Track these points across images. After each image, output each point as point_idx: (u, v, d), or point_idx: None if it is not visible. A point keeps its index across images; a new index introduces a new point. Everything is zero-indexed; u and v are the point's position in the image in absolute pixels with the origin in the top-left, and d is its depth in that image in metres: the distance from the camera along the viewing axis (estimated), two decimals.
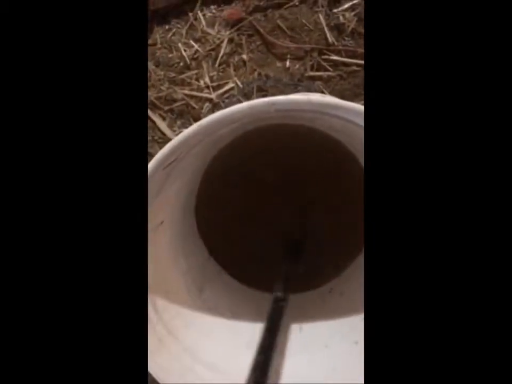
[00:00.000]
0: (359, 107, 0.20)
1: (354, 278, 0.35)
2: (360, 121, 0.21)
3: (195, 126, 0.21)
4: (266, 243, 0.37)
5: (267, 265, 0.37)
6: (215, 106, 0.44)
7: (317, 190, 0.37)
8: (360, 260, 0.36)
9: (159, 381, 0.24)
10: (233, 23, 0.43)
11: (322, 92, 0.44)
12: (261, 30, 0.43)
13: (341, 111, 0.21)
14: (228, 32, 0.43)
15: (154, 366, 0.22)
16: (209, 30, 0.43)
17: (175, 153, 0.22)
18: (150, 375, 0.23)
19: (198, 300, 0.31)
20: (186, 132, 0.21)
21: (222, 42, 0.43)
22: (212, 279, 0.34)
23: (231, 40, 0.43)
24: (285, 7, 0.43)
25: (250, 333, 0.33)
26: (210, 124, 0.21)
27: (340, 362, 0.30)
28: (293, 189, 0.37)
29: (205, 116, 0.45)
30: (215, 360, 0.29)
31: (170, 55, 0.44)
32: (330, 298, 0.36)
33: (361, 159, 0.35)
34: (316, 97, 0.20)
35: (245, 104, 0.21)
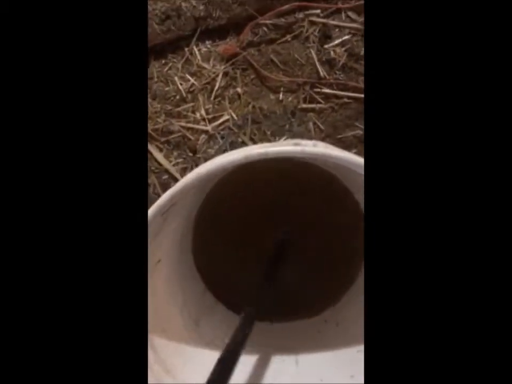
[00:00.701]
0: (358, 160, 0.21)
1: (348, 309, 0.36)
2: (359, 169, 0.21)
3: (193, 175, 0.22)
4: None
5: None
6: (211, 138, 0.45)
7: (310, 221, 0.38)
8: (353, 291, 0.37)
9: None
10: (228, 58, 0.45)
11: (315, 123, 0.45)
12: (255, 64, 0.44)
13: (338, 161, 0.21)
14: (222, 67, 0.45)
15: None
16: (205, 64, 0.45)
17: (173, 199, 0.23)
18: None
19: (195, 334, 0.32)
20: (185, 180, 0.22)
21: (217, 76, 0.45)
22: (208, 312, 0.35)
23: (226, 74, 0.45)
24: (277, 42, 0.45)
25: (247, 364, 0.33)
26: (209, 172, 0.22)
27: None
28: (288, 221, 0.38)
29: (201, 147, 0.46)
30: None
31: (166, 89, 0.45)
32: (325, 328, 0.37)
33: (356, 194, 0.36)
34: (309, 148, 0.21)
35: (242, 154, 0.22)
